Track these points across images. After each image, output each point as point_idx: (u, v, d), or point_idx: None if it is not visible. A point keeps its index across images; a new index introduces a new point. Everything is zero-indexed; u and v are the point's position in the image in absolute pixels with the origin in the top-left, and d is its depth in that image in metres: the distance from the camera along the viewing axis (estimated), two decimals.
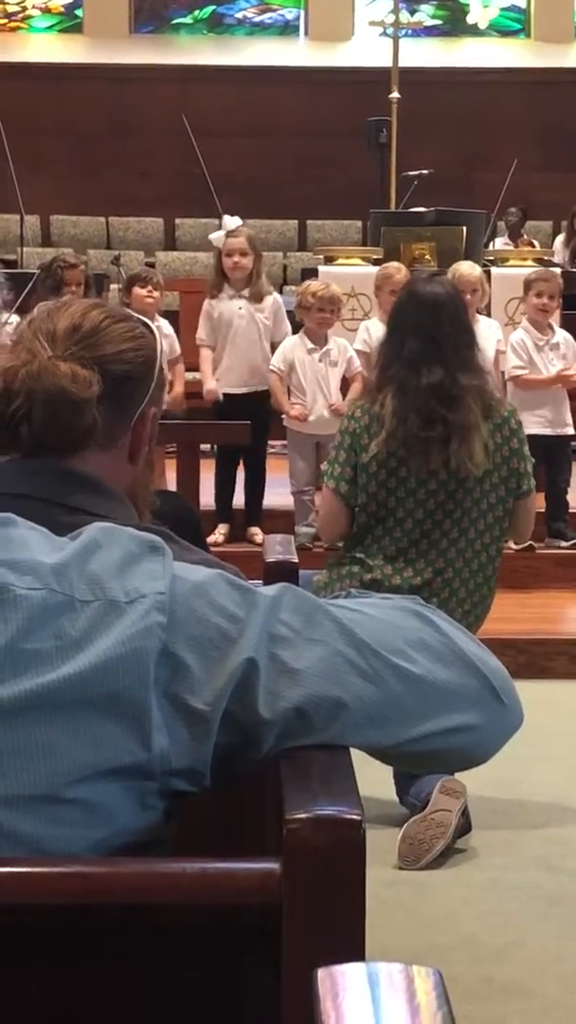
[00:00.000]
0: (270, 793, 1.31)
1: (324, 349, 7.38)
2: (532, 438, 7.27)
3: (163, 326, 7.56)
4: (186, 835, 1.33)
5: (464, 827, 4.34)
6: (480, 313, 7.78)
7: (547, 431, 7.48)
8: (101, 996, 1.17)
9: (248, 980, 1.18)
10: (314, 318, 7.29)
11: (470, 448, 4.24)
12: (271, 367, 7.35)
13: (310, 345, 7.34)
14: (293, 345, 7.38)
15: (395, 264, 8.20)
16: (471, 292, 7.49)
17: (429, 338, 4.25)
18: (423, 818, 4.20)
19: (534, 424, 7.42)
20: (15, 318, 6.78)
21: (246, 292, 7.33)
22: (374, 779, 3.81)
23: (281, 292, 12.14)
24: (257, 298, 7.34)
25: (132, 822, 1.25)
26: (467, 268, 7.66)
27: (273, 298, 7.49)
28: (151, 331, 1.98)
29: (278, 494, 7.71)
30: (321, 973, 0.85)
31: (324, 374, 7.36)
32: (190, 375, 7.84)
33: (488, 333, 7.65)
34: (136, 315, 2.02)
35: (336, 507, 4.38)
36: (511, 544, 7.23)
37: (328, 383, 7.36)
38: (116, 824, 1.24)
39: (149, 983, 1.18)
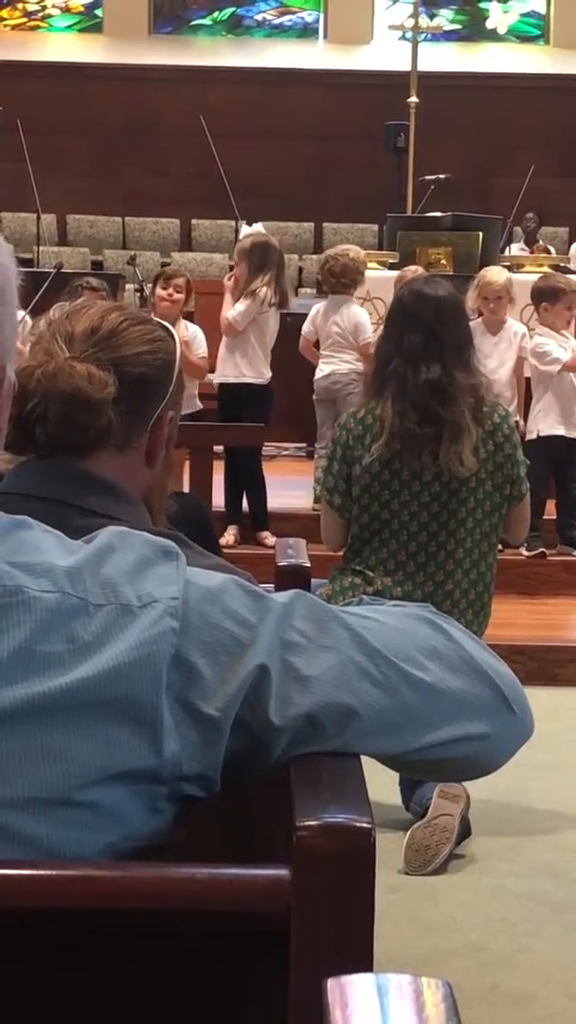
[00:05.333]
0: (280, 799, 1.31)
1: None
2: (550, 440, 7.28)
3: (189, 327, 7.55)
4: (195, 840, 1.33)
5: (464, 832, 4.34)
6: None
7: (566, 433, 7.41)
8: (108, 1000, 1.17)
9: (257, 986, 1.18)
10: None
11: (459, 449, 4.24)
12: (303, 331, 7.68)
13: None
14: (314, 313, 7.77)
15: (411, 267, 8.22)
16: (495, 299, 7.46)
17: (431, 333, 4.26)
18: (427, 823, 4.20)
19: (555, 425, 7.38)
20: (28, 318, 6.78)
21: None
22: (381, 784, 3.81)
23: (296, 294, 12.16)
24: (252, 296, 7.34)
25: (142, 826, 1.25)
26: (494, 275, 7.62)
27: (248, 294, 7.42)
28: (170, 334, 1.99)
29: (291, 496, 7.72)
30: (330, 983, 0.85)
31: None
32: (209, 376, 7.85)
33: (514, 339, 7.62)
34: (156, 319, 2.02)
35: (333, 518, 4.41)
36: (522, 551, 7.25)
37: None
38: (126, 828, 1.24)
39: (157, 988, 1.18)
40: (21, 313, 6.74)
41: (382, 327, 4.64)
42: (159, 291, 7.42)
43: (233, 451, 7.39)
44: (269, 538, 7.14)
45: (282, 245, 7.84)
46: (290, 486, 7.76)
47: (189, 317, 8.66)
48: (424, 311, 4.29)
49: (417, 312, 4.30)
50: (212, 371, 7.70)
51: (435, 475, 4.28)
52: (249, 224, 7.78)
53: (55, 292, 7.34)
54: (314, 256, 14.93)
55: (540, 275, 8.24)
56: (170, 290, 7.39)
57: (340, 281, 7.60)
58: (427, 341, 4.25)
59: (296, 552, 2.90)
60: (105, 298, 7.57)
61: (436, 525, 4.33)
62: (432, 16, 15.88)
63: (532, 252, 12.79)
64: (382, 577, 4.33)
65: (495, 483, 4.34)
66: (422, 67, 12.38)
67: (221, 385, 7.44)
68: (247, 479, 7.43)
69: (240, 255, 7.34)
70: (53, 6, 16.56)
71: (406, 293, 4.43)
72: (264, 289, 7.24)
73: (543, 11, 16.48)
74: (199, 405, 7.55)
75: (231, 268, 7.53)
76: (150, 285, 8.01)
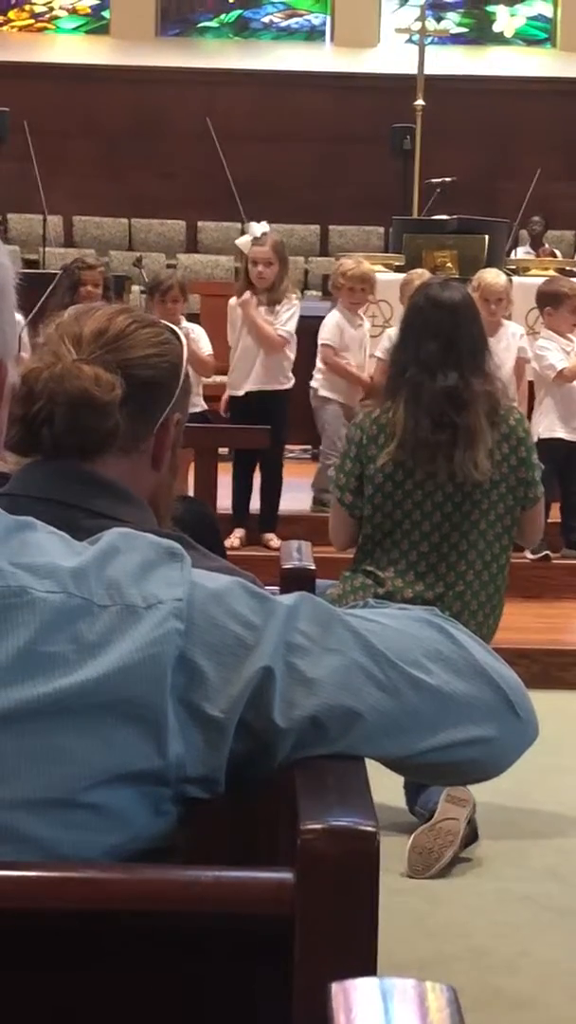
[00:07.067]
0: (284, 802, 1.31)
1: (359, 327, 7.71)
2: (551, 442, 7.27)
3: (192, 330, 7.53)
4: (198, 842, 1.33)
5: (471, 836, 4.34)
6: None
7: (566, 436, 7.41)
8: (113, 1002, 1.17)
9: (261, 989, 1.18)
10: (345, 298, 7.61)
11: (474, 455, 4.24)
12: (322, 341, 7.62)
13: (349, 323, 7.63)
14: (337, 322, 7.66)
15: (418, 271, 8.21)
16: (496, 301, 7.46)
17: (447, 341, 4.26)
18: (431, 827, 4.20)
19: (555, 428, 7.37)
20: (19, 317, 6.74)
21: (264, 297, 7.33)
22: (385, 787, 3.81)
23: (302, 296, 12.17)
24: (275, 303, 7.34)
25: (146, 828, 1.25)
26: (492, 276, 7.62)
27: (289, 302, 7.45)
28: (178, 337, 1.99)
29: (295, 499, 7.72)
30: (335, 987, 0.85)
31: (364, 351, 7.71)
32: (219, 378, 7.85)
33: (512, 340, 7.63)
34: (164, 321, 2.02)
35: (342, 517, 4.40)
36: (527, 554, 7.24)
37: (365, 359, 7.71)
38: (130, 830, 1.24)
39: (160, 990, 1.18)
40: (19, 317, 6.71)
41: (398, 334, 4.64)
42: (156, 307, 7.37)
43: (247, 453, 7.42)
44: (274, 540, 7.15)
45: (287, 247, 7.85)
46: (295, 488, 7.75)
47: (195, 319, 8.67)
48: (440, 318, 4.28)
49: (433, 319, 4.29)
50: (220, 373, 7.71)
51: (449, 476, 4.29)
52: (258, 222, 7.71)
53: (61, 293, 7.35)
54: (320, 258, 14.94)
55: (545, 279, 8.24)
56: (167, 303, 7.35)
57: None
58: (444, 349, 4.25)
59: (301, 555, 2.90)
60: (103, 274, 7.58)
61: (448, 526, 4.33)
62: (439, 19, 15.88)
63: (538, 255, 12.79)
64: (393, 578, 4.34)
65: (509, 486, 4.35)
66: (429, 70, 12.38)
67: (248, 393, 7.43)
68: (270, 479, 7.46)
69: (276, 253, 7.32)
70: (60, 8, 16.58)
71: (422, 299, 4.42)
72: (295, 291, 7.41)
73: (550, 15, 16.48)
74: (204, 405, 7.56)
75: (236, 271, 7.52)
76: (145, 296, 7.97)
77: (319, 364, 7.71)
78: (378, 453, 4.30)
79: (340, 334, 7.68)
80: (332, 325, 7.69)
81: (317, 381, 7.72)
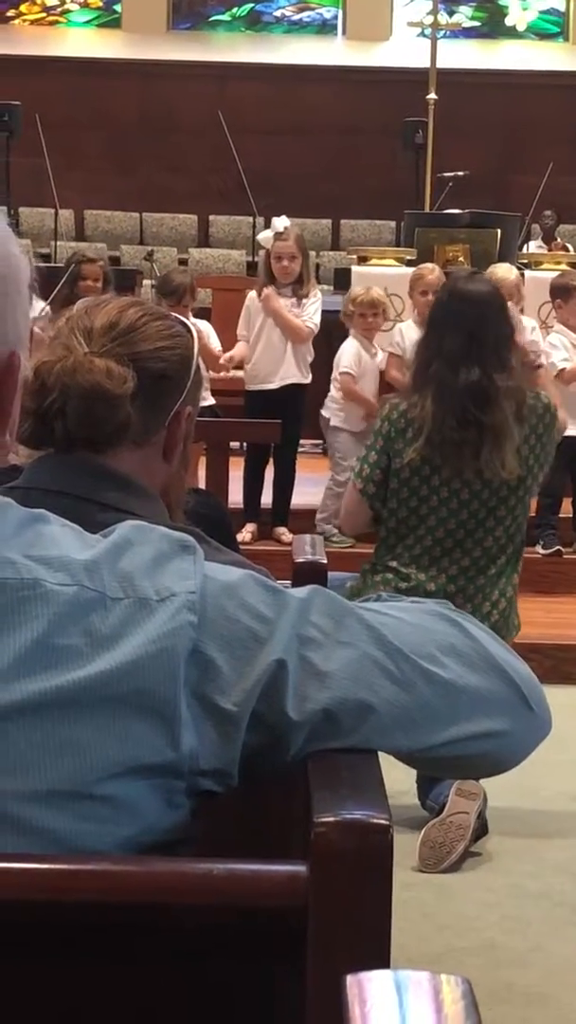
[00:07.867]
0: (297, 795, 1.31)
1: (375, 355, 7.59)
2: (566, 439, 7.24)
3: (198, 325, 7.53)
4: (212, 836, 1.33)
5: (481, 830, 4.33)
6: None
7: None
8: (125, 994, 1.17)
9: (275, 982, 1.18)
10: (358, 325, 7.48)
11: (502, 454, 4.22)
12: (342, 369, 7.45)
13: (365, 351, 7.52)
14: (357, 350, 7.51)
15: (428, 265, 8.19)
16: (507, 297, 7.44)
17: (470, 336, 4.22)
18: (441, 821, 4.20)
19: (570, 426, 7.35)
20: (47, 308, 6.77)
21: (289, 291, 7.34)
22: (396, 780, 3.81)
23: None
24: (303, 296, 7.36)
25: (159, 820, 1.25)
26: (504, 272, 7.61)
27: (314, 294, 7.46)
28: (188, 330, 1.99)
29: (308, 493, 7.72)
30: (349, 979, 0.85)
31: (376, 378, 7.57)
32: (231, 372, 7.84)
33: (523, 335, 7.61)
34: (174, 315, 2.02)
35: (358, 504, 4.40)
36: (538, 549, 7.24)
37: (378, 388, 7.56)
38: (143, 822, 1.24)
39: (175, 983, 1.18)
40: (41, 304, 6.75)
41: (424, 328, 4.62)
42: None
43: (259, 447, 7.41)
44: (286, 534, 7.16)
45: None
46: (305, 483, 7.75)
47: (206, 314, 8.66)
48: (464, 313, 4.25)
49: (457, 314, 4.26)
50: (239, 367, 7.72)
51: (476, 474, 4.27)
52: (279, 216, 7.70)
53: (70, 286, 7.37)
54: (332, 252, 14.93)
55: (558, 272, 8.23)
56: (179, 308, 7.34)
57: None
58: (467, 344, 4.22)
59: (313, 549, 2.90)
60: (103, 267, 7.59)
61: (474, 523, 4.32)
62: (451, 13, 15.85)
63: (550, 250, 12.76)
64: (415, 572, 4.33)
65: (534, 476, 4.35)
66: (441, 64, 12.35)
67: (279, 388, 7.41)
68: (284, 473, 7.46)
69: (299, 247, 7.34)
70: (72, 1, 16.58)
71: (446, 294, 4.40)
72: (317, 287, 7.42)
73: (563, 8, 16.44)
74: (212, 400, 7.55)
75: (248, 265, 7.53)
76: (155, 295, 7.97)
77: (333, 392, 7.54)
78: (405, 448, 4.27)
79: (359, 362, 7.52)
80: (352, 353, 7.47)
81: (330, 411, 7.53)
